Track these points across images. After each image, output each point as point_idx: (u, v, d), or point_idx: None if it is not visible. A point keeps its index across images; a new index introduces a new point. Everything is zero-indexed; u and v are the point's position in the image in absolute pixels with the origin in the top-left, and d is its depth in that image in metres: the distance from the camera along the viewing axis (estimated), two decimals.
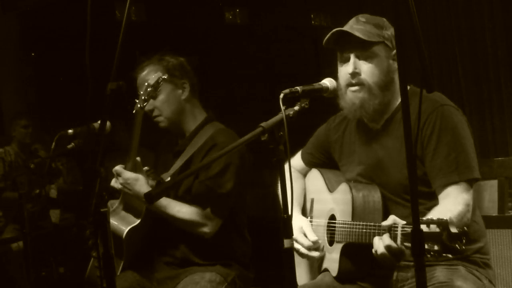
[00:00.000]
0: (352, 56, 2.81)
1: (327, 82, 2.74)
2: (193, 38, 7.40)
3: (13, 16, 7.31)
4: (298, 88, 2.59)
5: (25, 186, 4.64)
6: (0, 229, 6.10)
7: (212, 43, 7.62)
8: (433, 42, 6.38)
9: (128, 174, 3.27)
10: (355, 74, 2.79)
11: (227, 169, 3.32)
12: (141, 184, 3.26)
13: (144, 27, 6.81)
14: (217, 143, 3.33)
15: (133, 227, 3.30)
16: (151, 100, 3.34)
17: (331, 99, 2.81)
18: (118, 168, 3.30)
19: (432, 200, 2.70)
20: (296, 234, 2.92)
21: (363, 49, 2.79)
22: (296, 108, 2.54)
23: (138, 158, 3.31)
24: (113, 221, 3.33)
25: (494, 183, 3.96)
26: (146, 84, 3.28)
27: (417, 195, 1.97)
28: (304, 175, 3.26)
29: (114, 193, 3.54)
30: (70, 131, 3.41)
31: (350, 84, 2.81)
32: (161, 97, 3.40)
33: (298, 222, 2.98)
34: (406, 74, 2.02)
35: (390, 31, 2.81)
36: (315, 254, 2.93)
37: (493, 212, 3.93)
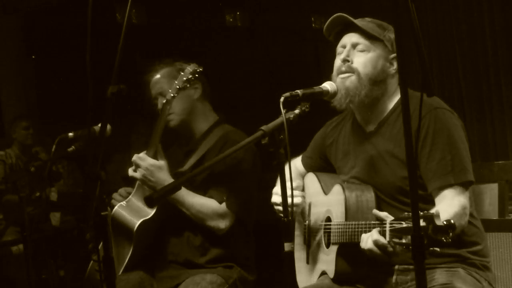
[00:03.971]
0: (348, 45, 2.84)
1: (328, 85, 2.74)
2: (194, 41, 7.40)
3: (14, 18, 7.31)
4: (299, 91, 2.59)
5: (26, 189, 4.64)
6: (0, 232, 6.10)
7: (213, 46, 7.62)
8: (433, 44, 6.38)
9: (152, 161, 3.28)
10: (345, 61, 2.81)
11: (242, 165, 3.36)
12: (164, 173, 3.27)
13: (144, 30, 6.81)
14: (229, 140, 3.38)
15: (145, 220, 3.30)
16: (176, 82, 3.35)
17: (331, 102, 2.81)
18: (140, 154, 3.30)
19: (427, 203, 2.70)
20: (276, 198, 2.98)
21: (362, 39, 2.81)
22: (297, 111, 2.54)
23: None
24: (125, 214, 3.33)
25: (494, 187, 3.95)
26: (181, 73, 3.32)
27: (417, 200, 1.97)
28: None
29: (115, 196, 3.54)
30: (70, 134, 3.41)
31: (340, 72, 2.82)
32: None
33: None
34: (407, 76, 2.02)
35: (392, 35, 2.82)
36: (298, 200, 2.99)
37: (494, 215, 3.92)
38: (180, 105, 3.44)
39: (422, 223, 2.07)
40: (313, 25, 7.55)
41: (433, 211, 2.12)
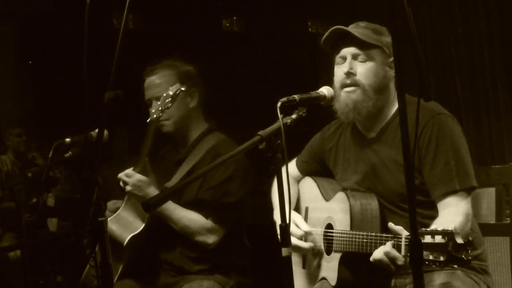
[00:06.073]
0: (348, 56, 2.83)
1: (325, 90, 2.74)
2: (190, 46, 7.40)
3: (10, 24, 7.31)
4: (296, 96, 2.60)
5: (23, 195, 4.63)
6: None
7: (209, 51, 7.62)
8: (430, 49, 6.38)
9: (140, 177, 3.26)
10: (350, 74, 2.81)
11: (232, 179, 3.34)
12: (152, 188, 3.26)
13: (141, 35, 6.81)
14: (219, 153, 3.30)
15: (135, 235, 3.28)
16: (158, 103, 3.31)
17: (328, 107, 2.81)
18: (127, 171, 3.29)
19: (429, 209, 2.70)
20: None
21: (361, 49, 2.81)
22: (294, 116, 2.54)
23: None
24: (115, 228, 3.31)
25: (491, 191, 3.95)
26: (164, 95, 3.27)
27: (415, 205, 1.97)
28: (298, 182, 3.25)
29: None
30: (67, 139, 3.41)
31: (345, 85, 2.82)
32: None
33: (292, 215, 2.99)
34: (404, 82, 2.02)
35: (388, 39, 2.83)
36: (306, 245, 2.94)
37: (491, 219, 3.92)
38: (176, 112, 3.41)
39: (441, 239, 2.10)
40: (310, 30, 7.55)
41: (451, 227, 2.13)
